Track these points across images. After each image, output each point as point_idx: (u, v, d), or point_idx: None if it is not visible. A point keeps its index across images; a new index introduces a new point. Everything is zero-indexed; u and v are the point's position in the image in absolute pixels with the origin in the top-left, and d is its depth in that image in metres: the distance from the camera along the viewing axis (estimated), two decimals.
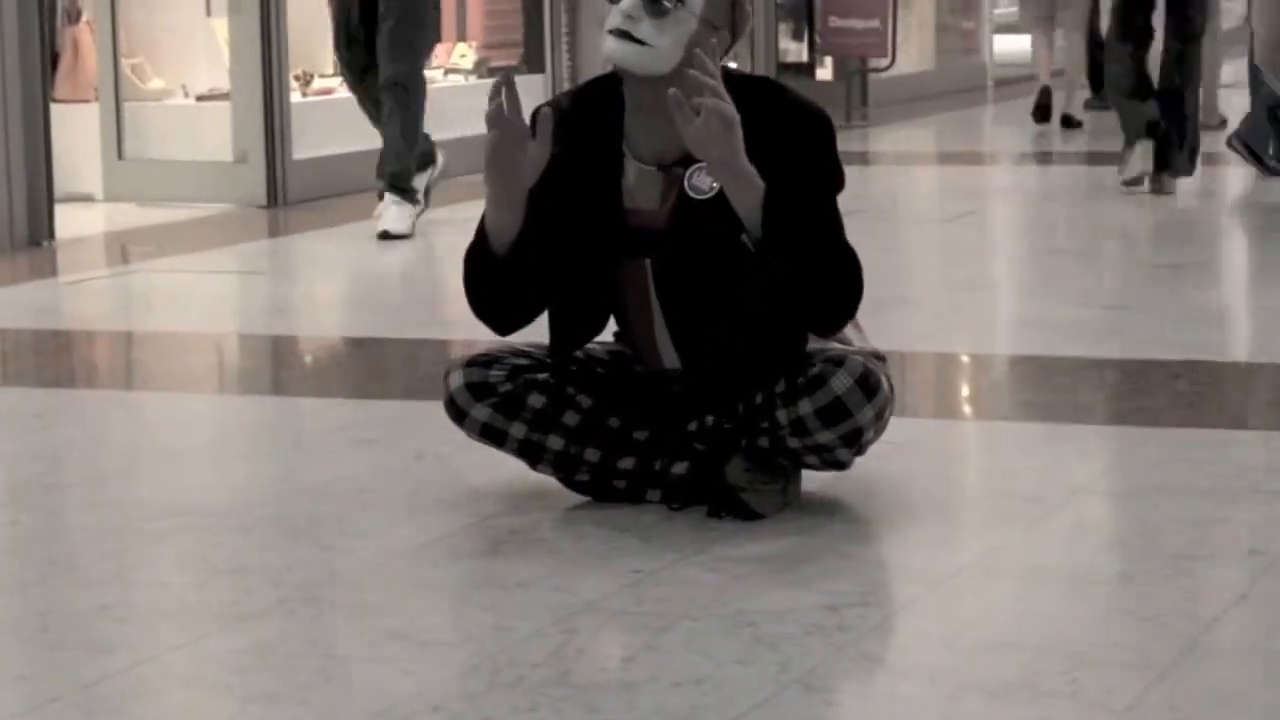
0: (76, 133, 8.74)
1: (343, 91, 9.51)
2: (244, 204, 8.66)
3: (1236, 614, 3.05)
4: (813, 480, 3.69)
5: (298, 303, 6.67)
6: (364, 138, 9.20)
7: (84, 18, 9.09)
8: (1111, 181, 8.85)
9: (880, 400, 3.44)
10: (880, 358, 3.60)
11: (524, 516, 3.62)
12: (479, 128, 10.44)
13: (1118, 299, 6.17)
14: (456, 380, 3.61)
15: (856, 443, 3.48)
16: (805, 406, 3.42)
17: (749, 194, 3.31)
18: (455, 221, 8.43)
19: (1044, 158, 11.01)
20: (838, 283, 3.40)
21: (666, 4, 3.35)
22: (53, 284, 6.78)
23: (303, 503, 3.81)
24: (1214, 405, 4.74)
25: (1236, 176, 9.42)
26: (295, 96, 9.03)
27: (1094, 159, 11.09)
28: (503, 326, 3.62)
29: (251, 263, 7.54)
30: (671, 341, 3.54)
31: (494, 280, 3.47)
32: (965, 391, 5.11)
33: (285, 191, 8.71)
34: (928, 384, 5.13)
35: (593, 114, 3.48)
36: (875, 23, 12.28)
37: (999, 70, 15.43)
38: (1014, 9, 16.88)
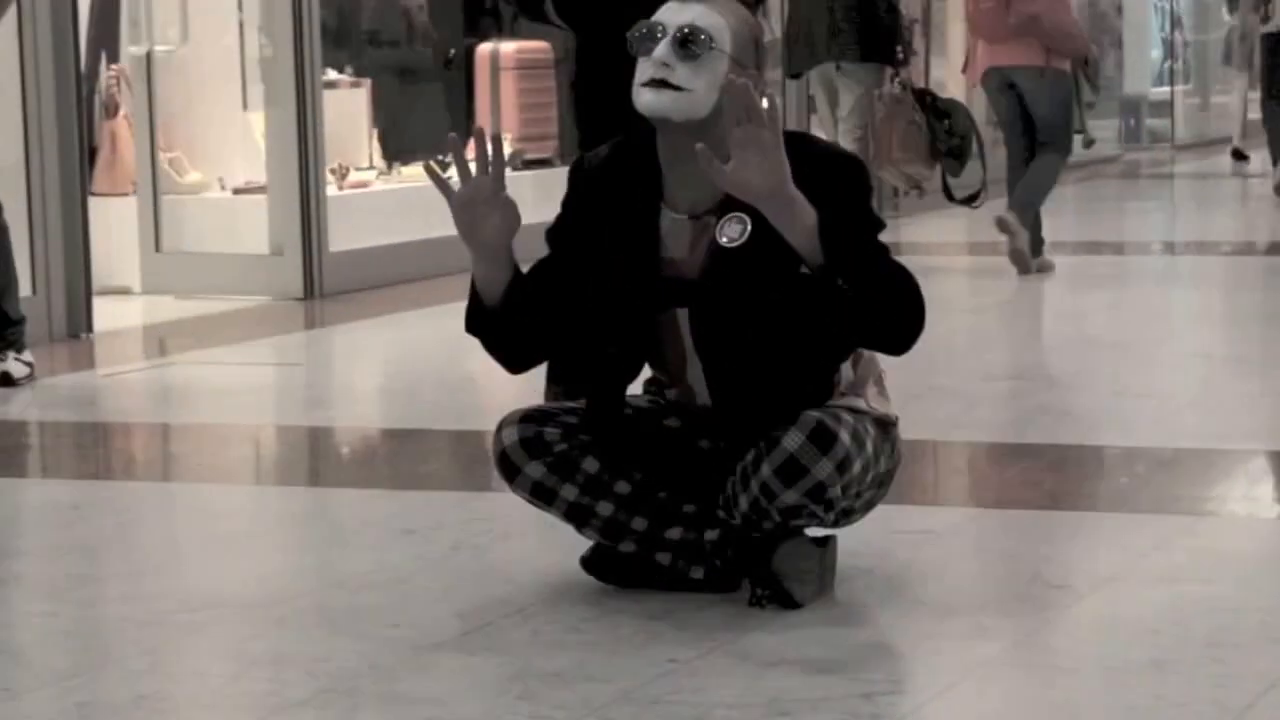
0: (115, 226, 8.83)
1: (379, 184, 9.65)
2: (280, 296, 8.73)
3: (1267, 703, 3.06)
4: (846, 568, 3.71)
5: (334, 394, 6.73)
6: (399, 230, 9.32)
7: (122, 112, 9.20)
8: (1145, 268, 8.88)
9: (839, 452, 3.41)
10: (889, 421, 3.60)
11: (560, 607, 3.65)
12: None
13: (1150, 387, 6.18)
14: (510, 436, 3.60)
15: (822, 499, 3.45)
16: (765, 469, 3.43)
17: (803, 221, 3.30)
18: None
19: (1076, 246, 11.02)
20: (903, 300, 3.40)
21: (697, 48, 3.38)
22: (91, 376, 6.84)
23: (340, 594, 3.85)
24: (1245, 495, 4.75)
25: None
26: (331, 189, 9.11)
27: (1130, 249, 11.11)
28: (513, 367, 3.67)
29: (288, 355, 7.60)
30: (705, 385, 3.56)
31: (492, 329, 3.53)
32: (996, 480, 5.13)
33: (321, 284, 8.77)
34: (959, 473, 5.15)
35: (629, 167, 3.52)
36: None
37: None
38: None
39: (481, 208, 3.41)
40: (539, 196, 10.15)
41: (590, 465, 3.61)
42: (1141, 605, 3.63)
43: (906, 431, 3.79)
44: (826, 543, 3.64)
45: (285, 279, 8.76)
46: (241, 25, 9.26)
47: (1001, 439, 5.47)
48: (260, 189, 9.01)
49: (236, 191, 9.18)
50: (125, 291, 8.89)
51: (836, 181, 3.41)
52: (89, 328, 7.64)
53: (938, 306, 8.18)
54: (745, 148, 3.27)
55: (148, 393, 6.66)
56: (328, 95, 9.04)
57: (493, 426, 3.64)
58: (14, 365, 6.51)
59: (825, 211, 3.33)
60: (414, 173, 9.95)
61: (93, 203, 8.06)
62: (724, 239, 3.43)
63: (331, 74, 9.52)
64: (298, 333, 8.16)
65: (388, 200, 9.56)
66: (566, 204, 3.62)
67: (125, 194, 9.05)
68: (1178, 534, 4.19)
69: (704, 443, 3.62)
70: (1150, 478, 4.88)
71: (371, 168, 9.78)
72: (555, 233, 3.61)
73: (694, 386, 3.59)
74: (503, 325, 3.50)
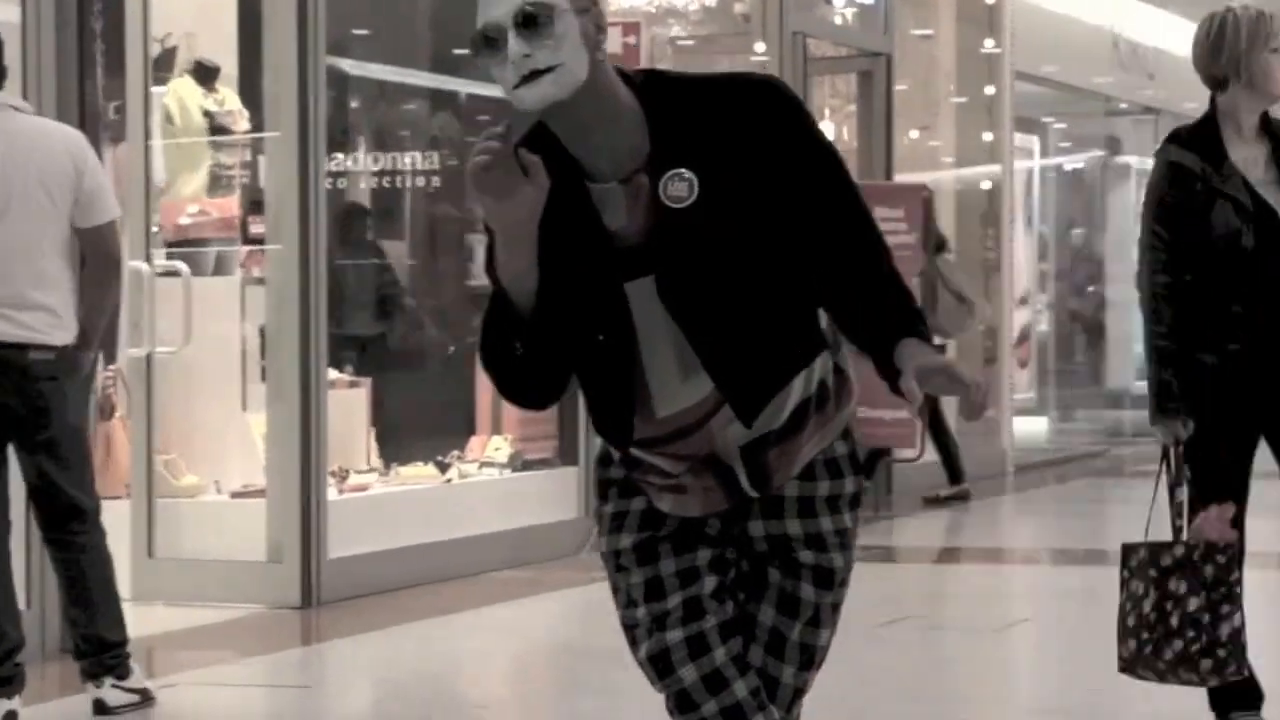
0: (107, 530, 8.51)
1: (379, 487, 9.40)
2: (277, 605, 8.41)
3: None
4: None
5: None
6: (398, 534, 9.06)
7: (117, 414, 8.97)
8: None
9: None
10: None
11: None
12: (516, 521, 10.18)
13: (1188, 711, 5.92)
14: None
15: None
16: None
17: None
18: (498, 622, 8.22)
19: (1090, 555, 10.78)
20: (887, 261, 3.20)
21: (542, 22, 3.07)
22: (83, 700, 6.48)
23: None
24: None
25: None
26: (331, 493, 8.84)
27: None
28: (544, 400, 3.25)
29: (285, 674, 7.29)
30: (677, 371, 3.19)
31: (526, 341, 3.13)
32: None
33: (319, 591, 8.47)
34: None
35: (544, 154, 3.16)
36: (904, 413, 12.18)
37: (1018, 455, 15.34)
38: (1032, 394, 16.93)
39: (502, 173, 3.04)
40: (540, 495, 9.99)
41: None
42: None
43: None
44: None
45: (282, 587, 8.46)
46: (244, 326, 9.07)
47: None
48: (258, 492, 8.74)
49: (234, 495, 8.91)
50: None
51: (777, 124, 3.13)
52: None
53: (953, 625, 7.93)
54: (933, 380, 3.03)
55: None
56: (331, 393, 8.80)
57: None
58: (110, 692, 6.28)
59: (781, 177, 3.10)
60: (412, 473, 9.73)
61: None
62: (670, 201, 3.11)
63: (331, 373, 9.30)
64: (294, 648, 7.86)
65: (386, 503, 9.31)
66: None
67: (118, 497, 8.76)
68: None
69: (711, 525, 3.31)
70: None
71: (371, 470, 9.54)
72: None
73: (663, 383, 3.20)
74: (538, 332, 3.13)
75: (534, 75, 3.07)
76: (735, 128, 3.14)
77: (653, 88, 3.15)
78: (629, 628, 3.29)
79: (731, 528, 3.29)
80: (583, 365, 3.21)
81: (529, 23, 3.08)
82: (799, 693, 3.31)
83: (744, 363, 3.19)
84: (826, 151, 3.19)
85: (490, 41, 3.10)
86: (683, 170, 3.10)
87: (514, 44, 3.07)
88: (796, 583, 3.29)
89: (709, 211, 3.11)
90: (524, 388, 3.22)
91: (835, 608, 3.33)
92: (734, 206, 3.12)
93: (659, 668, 3.24)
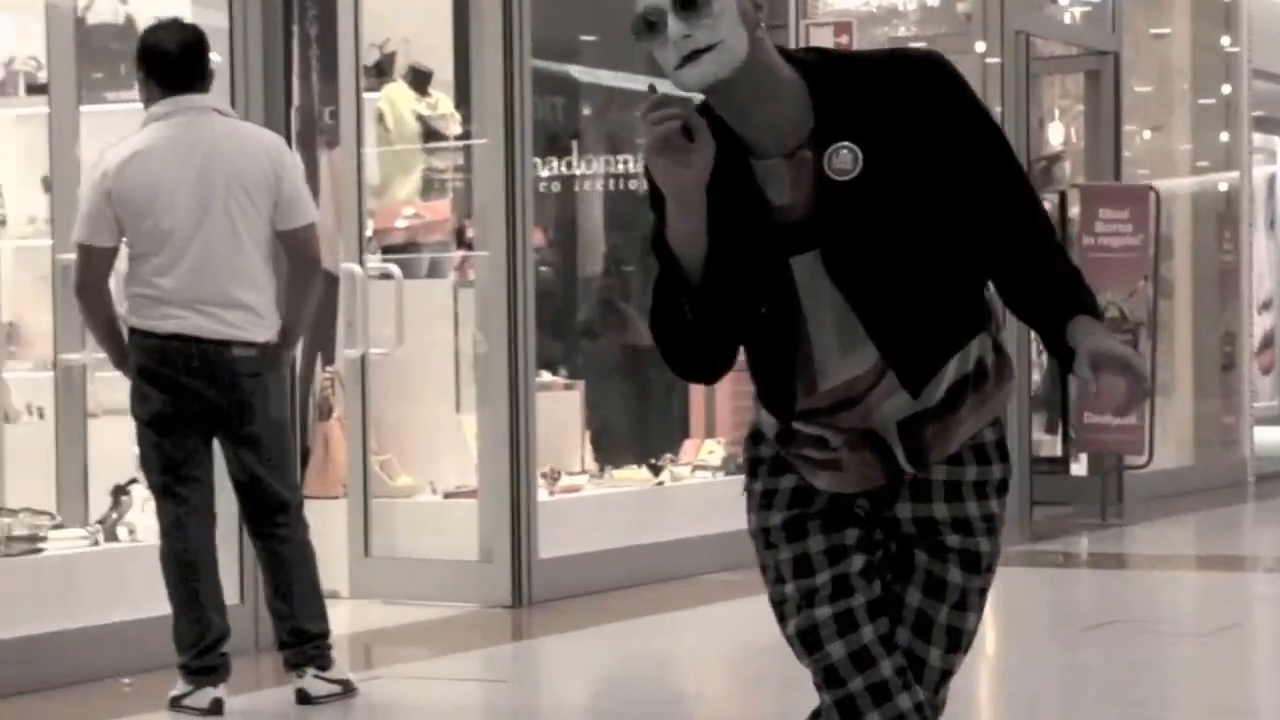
0: (325, 529, 8.68)
1: (590, 489, 9.48)
2: (489, 604, 8.53)
3: None
4: None
5: (541, 716, 6.51)
6: (610, 536, 9.13)
7: (335, 414, 9.15)
8: None
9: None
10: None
11: None
12: (729, 524, 10.23)
13: None
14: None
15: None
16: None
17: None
18: (708, 623, 8.25)
19: None
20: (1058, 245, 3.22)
21: (700, 2, 3.11)
22: (287, 690, 6.62)
23: None
24: None
25: None
26: (542, 494, 8.94)
27: None
28: (711, 372, 3.29)
29: (495, 669, 7.39)
30: (838, 345, 3.22)
31: (695, 308, 3.18)
32: None
33: (530, 591, 8.57)
34: None
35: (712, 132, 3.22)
36: (1132, 419, 12.00)
37: (1260, 464, 15.02)
38: (1275, 402, 16.55)
39: (680, 145, 3.09)
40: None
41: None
42: None
43: None
44: None
45: (494, 586, 8.57)
46: (456, 328, 9.21)
47: None
48: (471, 493, 8.87)
49: (447, 495, 9.05)
50: (334, 596, 8.70)
51: (938, 100, 3.16)
52: None
53: (1163, 629, 7.83)
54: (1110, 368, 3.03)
55: (352, 715, 6.46)
56: (541, 397, 8.91)
57: None
58: (312, 683, 6.42)
59: (943, 152, 3.12)
60: (625, 475, 9.80)
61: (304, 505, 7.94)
62: (834, 174, 3.15)
63: (545, 376, 9.41)
64: (505, 644, 7.96)
65: (597, 504, 9.39)
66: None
67: (336, 497, 8.95)
68: None
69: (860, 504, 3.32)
70: None
71: (583, 471, 9.62)
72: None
73: (827, 357, 3.22)
74: (709, 300, 3.17)
75: (695, 55, 3.12)
76: (898, 102, 3.17)
77: (817, 64, 3.20)
78: (777, 604, 3.29)
79: (880, 509, 3.30)
80: (749, 337, 3.25)
81: (687, 4, 3.13)
82: (946, 675, 3.32)
83: (910, 334, 3.21)
84: (989, 125, 3.21)
85: (651, 25, 3.15)
86: (847, 144, 3.14)
87: (674, 25, 3.13)
88: (944, 566, 3.30)
89: (873, 185, 3.14)
90: (691, 359, 3.26)
91: (982, 593, 3.33)
92: (898, 180, 3.14)
93: (807, 643, 3.26)
